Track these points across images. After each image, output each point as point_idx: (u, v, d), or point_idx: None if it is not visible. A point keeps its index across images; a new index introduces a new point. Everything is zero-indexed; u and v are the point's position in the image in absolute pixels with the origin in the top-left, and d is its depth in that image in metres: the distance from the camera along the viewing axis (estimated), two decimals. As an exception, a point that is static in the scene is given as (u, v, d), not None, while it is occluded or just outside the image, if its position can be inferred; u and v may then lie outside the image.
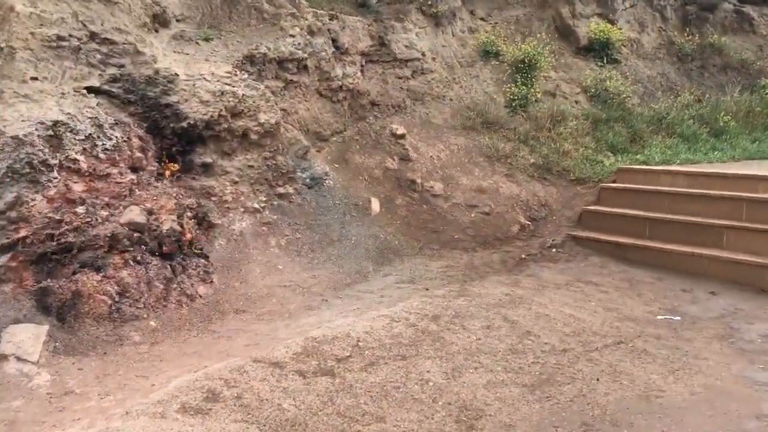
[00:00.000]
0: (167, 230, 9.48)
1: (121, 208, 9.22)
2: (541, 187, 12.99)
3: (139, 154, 9.86)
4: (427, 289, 9.71)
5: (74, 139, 9.09)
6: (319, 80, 13.05)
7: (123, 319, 8.54)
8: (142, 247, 9.19)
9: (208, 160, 10.92)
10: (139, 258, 9.06)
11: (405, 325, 8.26)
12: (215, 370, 7.09)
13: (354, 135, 13.31)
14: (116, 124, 9.78)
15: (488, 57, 15.69)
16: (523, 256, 11.13)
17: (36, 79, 9.26)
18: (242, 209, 11.02)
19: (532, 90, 14.69)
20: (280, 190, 11.56)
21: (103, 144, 9.41)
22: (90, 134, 9.29)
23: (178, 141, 10.55)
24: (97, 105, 9.67)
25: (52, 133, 8.86)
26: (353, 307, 9.20)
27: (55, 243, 8.39)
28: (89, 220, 8.82)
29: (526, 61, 14.90)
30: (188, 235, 9.79)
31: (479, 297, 9.30)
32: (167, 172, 10.26)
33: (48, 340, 7.86)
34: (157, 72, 10.54)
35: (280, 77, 12.38)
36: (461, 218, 12.14)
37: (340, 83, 13.33)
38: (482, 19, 16.76)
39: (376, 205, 11.83)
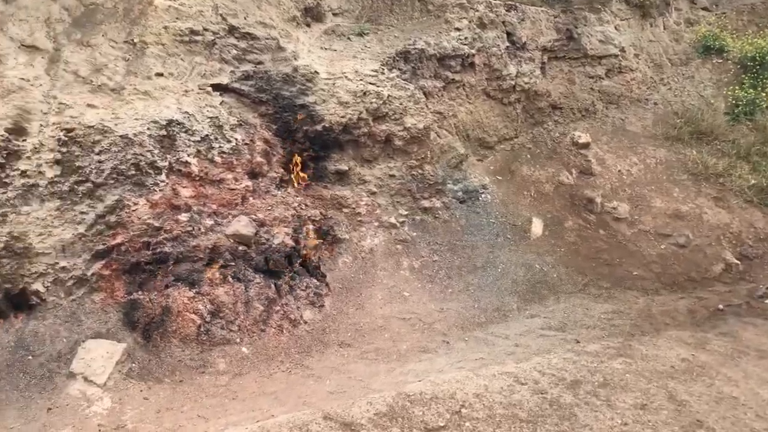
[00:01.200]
0: (278, 244, 8.44)
1: (230, 217, 8.35)
2: (761, 217, 9.96)
3: (260, 159, 8.96)
4: (578, 342, 7.60)
5: (189, 140, 8.40)
6: (487, 79, 11.29)
7: (212, 342, 7.63)
8: (246, 262, 8.24)
9: (344, 167, 9.74)
10: (240, 274, 8.12)
11: (530, 391, 6.35)
12: (275, 425, 5.82)
13: (526, 142, 11.36)
14: (239, 125, 8.96)
15: (708, 54, 12.71)
16: (721, 306, 8.40)
17: (161, 75, 8.73)
18: (376, 223, 9.69)
19: (763, 94, 11.52)
20: (425, 203, 10.03)
21: (220, 147, 8.63)
22: (207, 135, 8.55)
23: (310, 145, 9.49)
24: (220, 104, 8.92)
25: (165, 133, 8.23)
26: (476, 355, 7.42)
27: (150, 252, 7.71)
28: (190, 229, 8.05)
29: (758, 58, 11.76)
30: (304, 251, 8.67)
31: (644, 360, 7.02)
32: (294, 180, 9.24)
33: (124, 360, 7.17)
34: (295, 69, 9.58)
35: (440, 76, 10.84)
36: (647, 250, 9.64)
37: (513, 83, 11.45)
38: (705, 9, 13.73)
39: (538, 226, 9.83)
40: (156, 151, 8.15)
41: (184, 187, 8.25)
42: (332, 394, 6.77)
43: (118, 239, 7.68)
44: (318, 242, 8.98)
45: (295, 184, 9.26)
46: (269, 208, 8.68)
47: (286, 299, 8.25)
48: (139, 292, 7.69)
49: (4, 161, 7.42)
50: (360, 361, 7.56)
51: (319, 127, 9.50)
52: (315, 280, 8.58)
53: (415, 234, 9.67)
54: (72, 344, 7.28)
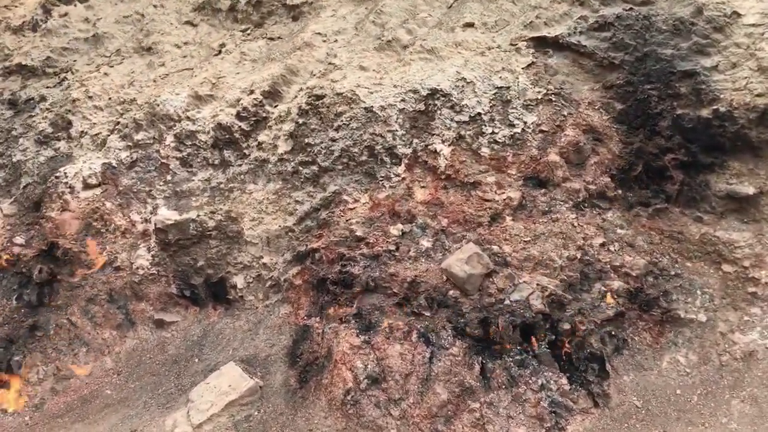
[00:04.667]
0: (516, 302, 4.90)
1: (462, 242, 5.25)
2: None
3: (556, 158, 5.37)
4: None
5: (452, 119, 5.67)
6: None
7: (359, 420, 4.95)
8: (450, 316, 5.03)
9: (746, 188, 4.97)
10: (431, 333, 5.02)
11: None
12: None
13: None
14: (544, 101, 5.56)
15: None
16: None
17: (470, 25, 6.21)
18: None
19: None
20: None
21: (496, 132, 5.54)
22: (479, 114, 5.61)
23: (682, 143, 5.18)
24: (525, 68, 5.71)
25: (422, 108, 5.76)
26: None
27: (338, 269, 5.51)
28: (396, 248, 5.38)
29: None
30: (567, 325, 4.75)
31: None
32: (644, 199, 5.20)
33: (247, 403, 5.31)
34: (699, 11, 5.40)
35: None
36: None
37: None
38: None
39: None
40: (400, 133, 5.74)
41: (422, 187, 5.57)
42: None
43: (319, 242, 5.72)
44: (616, 312, 4.78)
45: (638, 211, 5.15)
46: (530, 239, 5.06)
47: (495, 398, 4.64)
48: (316, 319, 5.57)
49: (250, 129, 6.46)
50: None
51: (706, 112, 5.06)
52: (568, 380, 4.58)
53: None
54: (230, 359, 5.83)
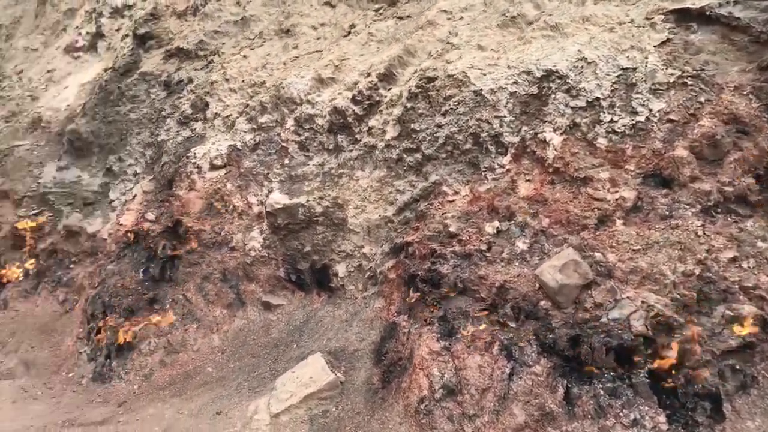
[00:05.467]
0: (614, 321, 4.22)
1: (563, 246, 4.64)
2: None
3: (683, 152, 4.51)
4: None
5: (566, 104, 5.03)
6: None
7: (432, 426, 4.61)
8: (537, 330, 4.46)
9: None
10: (515, 347, 4.48)
11: None
12: None
13: None
14: (675, 85, 4.70)
15: None
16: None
17: None
18: None
19: None
20: None
21: (615, 120, 4.81)
22: (598, 99, 4.90)
23: None
24: (659, 46, 4.87)
25: (535, 91, 5.18)
26: None
27: (428, 266, 5.16)
28: (488, 248, 4.89)
29: None
30: (667, 354, 4.02)
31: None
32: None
33: (326, 397, 5.18)
34: None
35: None
36: None
37: None
38: None
39: None
40: (509, 119, 5.20)
41: (527, 181, 5.00)
42: None
43: (414, 236, 5.39)
44: (743, 343, 3.93)
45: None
46: (640, 248, 4.30)
47: (578, 428, 4.04)
48: (404, 317, 5.26)
49: (363, 113, 6.25)
50: None
51: None
52: (667, 418, 3.85)
53: None
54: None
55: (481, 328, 4.61)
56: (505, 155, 5.11)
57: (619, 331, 4.10)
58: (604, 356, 4.10)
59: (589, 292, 4.29)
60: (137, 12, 9.73)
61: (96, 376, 6.12)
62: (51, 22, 12.86)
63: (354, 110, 6.24)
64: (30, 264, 7.44)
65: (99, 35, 10.49)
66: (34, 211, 7.68)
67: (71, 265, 7.31)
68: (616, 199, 4.49)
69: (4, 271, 7.46)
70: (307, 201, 6.12)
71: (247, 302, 6.30)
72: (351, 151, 6.20)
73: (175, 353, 6.13)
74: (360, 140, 6.16)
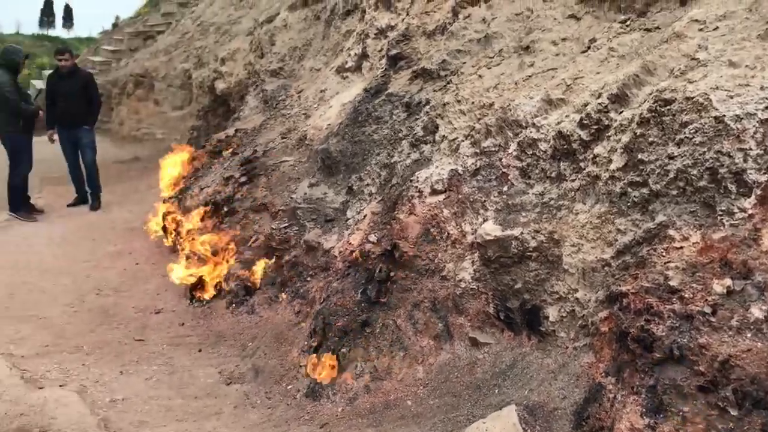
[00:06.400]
0: None
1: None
2: None
3: None
4: None
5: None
6: None
7: None
8: None
9: None
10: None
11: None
12: None
13: None
14: None
15: None
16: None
17: None
18: None
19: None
20: None
21: None
22: None
23: None
24: None
25: (797, 119, 4.18)
26: None
27: (641, 323, 4.44)
28: (709, 311, 4.03)
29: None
30: None
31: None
32: None
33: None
34: None
35: None
36: None
37: None
38: None
39: None
40: (756, 153, 4.24)
41: (774, 230, 4.03)
42: None
43: (630, 286, 4.68)
44: None
45: None
46: None
47: None
48: (612, 379, 4.58)
49: (590, 139, 5.61)
50: None
51: None
52: None
53: None
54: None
55: (695, 410, 3.75)
56: (749, 197, 4.14)
57: None
58: None
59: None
60: (393, 33, 9.99)
61: (309, 392, 6.32)
62: (332, 43, 13.87)
63: (580, 135, 5.61)
64: (275, 273, 7.99)
65: (364, 56, 11.00)
66: (284, 225, 8.23)
67: (308, 278, 7.69)
68: None
69: (253, 277, 8.12)
70: (521, 234, 5.64)
71: (455, 336, 6.02)
72: (573, 180, 5.58)
73: (379, 380, 6.08)
74: (583, 169, 5.51)
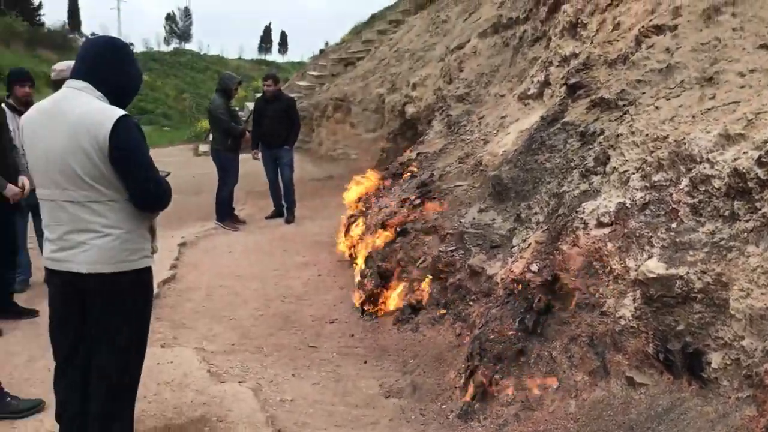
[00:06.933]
0: None
1: None
2: None
3: None
4: None
5: None
6: None
7: None
8: None
9: None
10: None
11: None
12: None
13: None
14: None
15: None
16: None
17: None
18: None
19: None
20: None
21: None
22: None
23: None
24: None
25: None
26: None
27: None
28: None
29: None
30: None
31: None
32: None
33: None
34: None
35: None
36: None
37: None
38: None
39: None
40: None
41: None
42: None
43: None
44: None
45: None
46: None
47: None
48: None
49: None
50: None
51: None
52: None
53: None
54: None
55: None
56: None
57: None
58: None
59: None
60: (575, 61, 9.94)
61: (461, 413, 6.50)
62: (518, 70, 14.03)
63: (757, 173, 5.30)
64: (439, 295, 8.28)
65: (546, 83, 11.04)
66: (451, 248, 8.51)
67: (470, 302, 7.89)
68: None
69: (419, 297, 8.46)
70: (687, 273, 5.43)
71: (611, 373, 5.89)
72: (747, 221, 5.28)
73: (530, 410, 6.11)
74: (759, 209, 5.20)
